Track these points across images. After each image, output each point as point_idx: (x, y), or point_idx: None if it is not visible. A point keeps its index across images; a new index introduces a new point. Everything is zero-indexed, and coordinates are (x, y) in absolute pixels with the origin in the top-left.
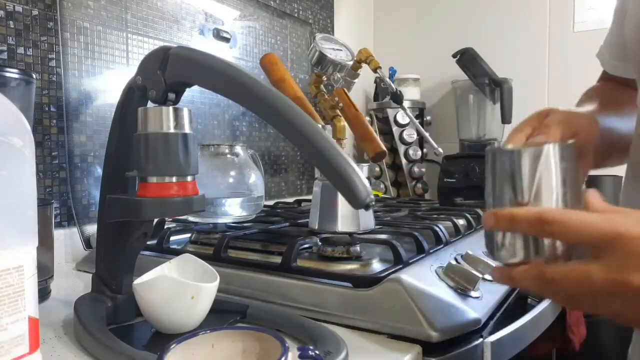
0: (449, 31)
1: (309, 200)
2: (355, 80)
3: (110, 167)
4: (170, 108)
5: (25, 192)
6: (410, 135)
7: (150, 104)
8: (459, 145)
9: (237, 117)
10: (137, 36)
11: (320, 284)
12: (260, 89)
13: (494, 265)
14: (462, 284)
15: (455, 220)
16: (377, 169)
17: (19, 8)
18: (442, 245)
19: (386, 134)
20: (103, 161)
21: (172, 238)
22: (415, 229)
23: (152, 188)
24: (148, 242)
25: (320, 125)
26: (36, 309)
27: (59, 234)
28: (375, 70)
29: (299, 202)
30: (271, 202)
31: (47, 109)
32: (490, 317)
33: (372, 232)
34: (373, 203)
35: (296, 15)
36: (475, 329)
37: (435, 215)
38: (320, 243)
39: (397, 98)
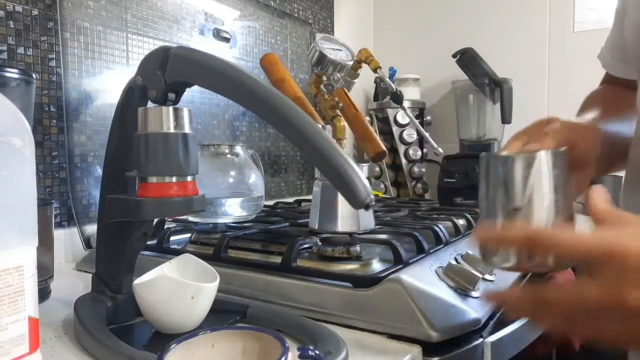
0: (449, 31)
1: (309, 200)
2: (355, 80)
3: (110, 167)
4: (170, 108)
5: (25, 192)
6: (410, 135)
7: (150, 104)
8: (459, 145)
9: (237, 117)
10: (137, 36)
11: (320, 284)
12: (260, 89)
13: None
14: (462, 284)
15: (455, 220)
16: (377, 169)
17: (19, 8)
18: (442, 245)
19: (386, 134)
20: (103, 161)
21: (172, 238)
22: (415, 229)
23: (152, 188)
24: (148, 242)
25: (320, 125)
26: (36, 309)
27: (59, 234)
28: (375, 70)
29: (299, 202)
30: (271, 202)
31: (47, 109)
32: (490, 317)
33: (372, 232)
34: (373, 203)
35: (296, 15)
36: (475, 329)
37: (435, 215)
38: (320, 243)
39: (397, 98)
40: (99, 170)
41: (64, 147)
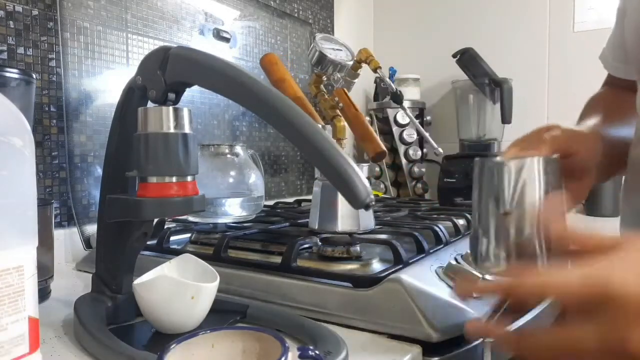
0: (449, 31)
1: (309, 200)
2: (355, 80)
3: (110, 167)
4: (170, 108)
5: (25, 192)
6: (410, 135)
7: (150, 104)
8: (459, 145)
9: (237, 117)
10: (137, 36)
11: (320, 284)
12: (260, 89)
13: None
14: None
15: (455, 220)
16: (377, 169)
17: (19, 8)
18: (442, 245)
19: (386, 134)
20: (103, 161)
21: (172, 238)
22: (415, 229)
23: (152, 188)
24: (148, 242)
25: (320, 125)
26: (36, 309)
27: (59, 234)
28: (375, 70)
29: (299, 202)
30: (271, 202)
31: (47, 109)
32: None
33: (372, 232)
34: (373, 203)
35: (296, 15)
36: None
37: (435, 215)
38: (320, 243)
39: (397, 98)
40: (99, 170)
41: (64, 147)
